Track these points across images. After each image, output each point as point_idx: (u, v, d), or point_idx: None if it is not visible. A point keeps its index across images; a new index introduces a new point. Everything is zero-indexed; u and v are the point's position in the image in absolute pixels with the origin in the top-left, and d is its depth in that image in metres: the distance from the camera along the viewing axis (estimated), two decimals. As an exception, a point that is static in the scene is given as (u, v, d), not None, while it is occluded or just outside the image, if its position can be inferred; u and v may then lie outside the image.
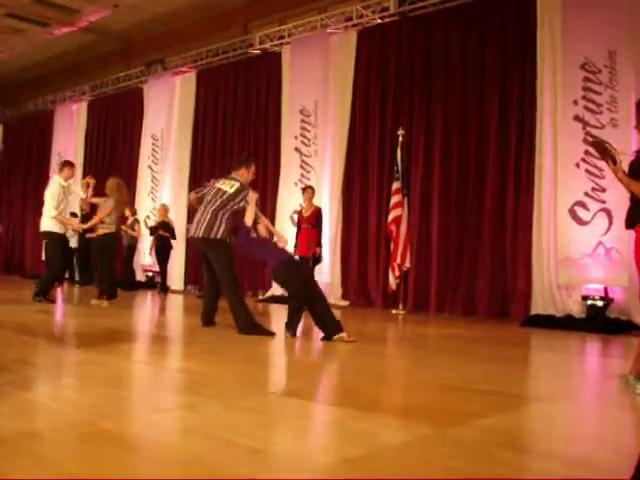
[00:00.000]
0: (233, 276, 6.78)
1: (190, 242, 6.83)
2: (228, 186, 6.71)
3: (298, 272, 6.59)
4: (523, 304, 8.81)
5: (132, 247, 13.44)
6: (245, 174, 6.86)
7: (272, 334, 6.35)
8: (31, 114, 18.61)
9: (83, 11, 14.52)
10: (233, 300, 6.61)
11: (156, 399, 3.48)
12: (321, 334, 6.17)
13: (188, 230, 7.12)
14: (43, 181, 17.56)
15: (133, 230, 13.21)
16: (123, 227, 13.24)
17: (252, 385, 3.83)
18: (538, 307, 8.53)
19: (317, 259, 10.02)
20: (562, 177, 8.43)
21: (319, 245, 10.05)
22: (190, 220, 8.54)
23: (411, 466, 2.36)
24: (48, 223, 8.98)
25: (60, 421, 2.86)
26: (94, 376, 3.93)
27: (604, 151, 4.28)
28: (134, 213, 13.51)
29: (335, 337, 6.06)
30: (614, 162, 4.22)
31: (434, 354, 5.78)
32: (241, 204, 6.61)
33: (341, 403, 3.51)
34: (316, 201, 10.48)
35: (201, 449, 2.49)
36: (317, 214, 10.07)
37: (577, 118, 8.33)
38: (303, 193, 10.33)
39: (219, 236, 6.56)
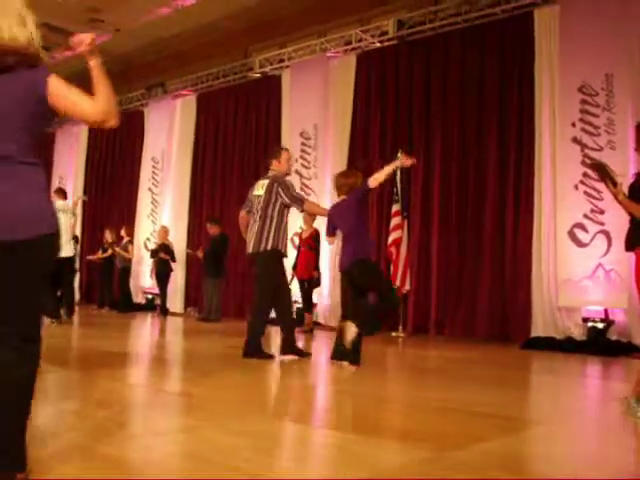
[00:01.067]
0: (270, 294, 6.26)
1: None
2: (260, 188, 6.35)
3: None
4: (523, 326, 8.79)
5: (126, 269, 13.49)
6: (277, 165, 6.49)
7: (272, 357, 6.26)
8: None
9: (85, 35, 14.64)
10: (259, 319, 6.26)
11: (155, 423, 3.46)
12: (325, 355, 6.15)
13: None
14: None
15: (127, 252, 13.25)
16: (116, 249, 13.29)
17: (251, 409, 3.82)
18: (538, 329, 8.51)
19: (315, 282, 10.00)
20: (561, 199, 8.45)
21: (316, 269, 9.97)
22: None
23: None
24: None
25: (59, 445, 2.85)
26: (93, 400, 3.92)
27: (604, 173, 4.30)
28: (129, 234, 13.56)
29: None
30: (614, 184, 4.24)
31: (434, 377, 5.76)
32: (279, 200, 6.19)
33: (341, 427, 3.50)
34: (316, 223, 10.50)
35: (201, 473, 2.48)
36: (315, 236, 10.04)
37: (575, 140, 8.38)
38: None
39: (268, 247, 6.14)
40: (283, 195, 6.18)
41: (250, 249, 6.22)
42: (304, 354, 6.38)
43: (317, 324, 10.65)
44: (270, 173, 6.47)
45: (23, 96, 2.38)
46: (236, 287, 12.50)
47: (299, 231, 10.63)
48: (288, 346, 6.25)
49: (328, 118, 11.29)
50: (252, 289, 12.26)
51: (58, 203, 9.34)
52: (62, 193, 10.19)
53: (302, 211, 6.61)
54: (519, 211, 9.17)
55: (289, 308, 6.42)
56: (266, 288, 6.22)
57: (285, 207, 6.26)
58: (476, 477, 2.52)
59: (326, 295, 10.92)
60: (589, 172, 8.09)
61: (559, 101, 8.58)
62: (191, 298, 13.36)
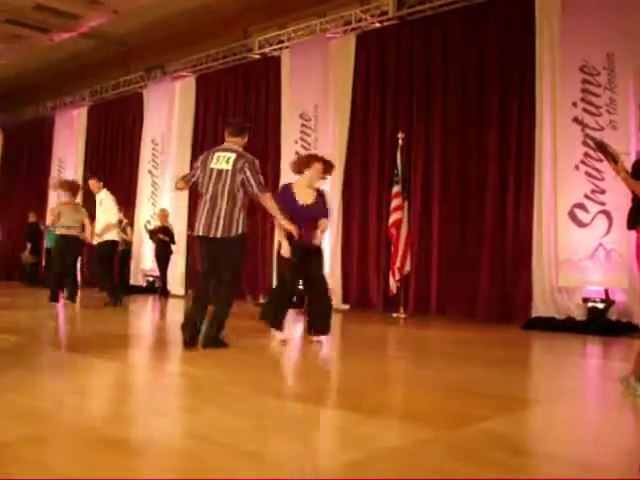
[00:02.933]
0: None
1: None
2: (224, 162, 5.69)
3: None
4: (524, 307, 8.80)
5: (126, 252, 13.53)
6: (240, 142, 5.92)
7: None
8: (31, 120, 18.63)
9: (83, 17, 14.53)
10: (228, 307, 5.74)
11: (157, 403, 3.48)
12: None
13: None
14: (44, 187, 17.60)
15: (125, 234, 13.27)
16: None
17: (252, 389, 3.83)
18: (539, 310, 8.52)
19: None
20: (561, 179, 8.43)
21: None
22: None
23: (411, 469, 2.37)
24: None
25: (63, 426, 2.87)
26: (96, 381, 3.94)
27: (606, 151, 4.29)
28: (126, 217, 13.55)
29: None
30: (615, 162, 4.23)
31: (435, 357, 5.79)
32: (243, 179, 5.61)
33: (341, 406, 3.52)
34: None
35: (202, 453, 2.49)
36: None
37: (576, 120, 8.34)
38: None
39: (240, 231, 5.62)
40: (250, 176, 5.61)
41: (218, 232, 5.56)
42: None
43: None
44: (233, 147, 5.81)
45: None
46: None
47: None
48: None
49: (328, 99, 11.24)
50: (250, 269, 12.34)
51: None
52: (70, 187, 10.14)
53: (258, 200, 5.82)
54: (520, 191, 9.15)
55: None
56: (238, 274, 5.89)
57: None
58: (475, 457, 2.53)
59: (327, 277, 10.89)
60: (590, 152, 8.07)
61: (560, 81, 8.53)
62: (192, 280, 13.36)
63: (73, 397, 3.51)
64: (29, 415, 2.98)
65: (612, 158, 4.22)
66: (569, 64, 8.43)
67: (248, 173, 5.60)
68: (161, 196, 14.23)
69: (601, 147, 4.38)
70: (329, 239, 10.84)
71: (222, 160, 5.67)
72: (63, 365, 4.69)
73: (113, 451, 2.49)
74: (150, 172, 14.60)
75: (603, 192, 8.04)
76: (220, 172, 5.63)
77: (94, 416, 3.07)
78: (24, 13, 14.16)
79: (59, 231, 9.58)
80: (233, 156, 5.67)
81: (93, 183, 9.98)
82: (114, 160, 16.17)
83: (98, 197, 9.82)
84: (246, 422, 3.00)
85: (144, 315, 10.04)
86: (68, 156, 17.16)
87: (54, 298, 9.37)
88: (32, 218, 16.34)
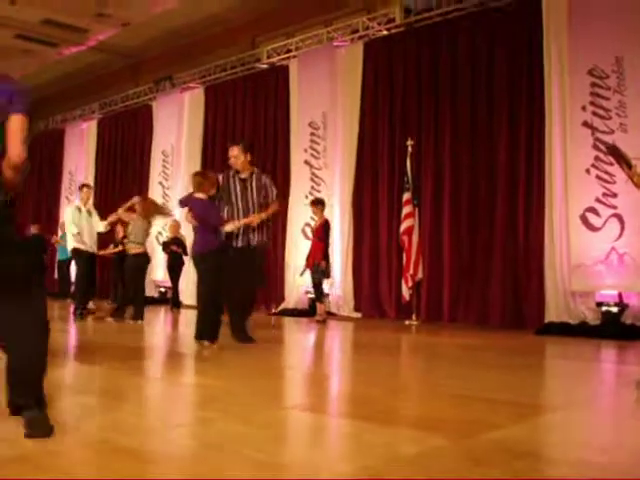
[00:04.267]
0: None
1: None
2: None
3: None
4: (537, 312, 8.76)
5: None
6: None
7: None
8: (42, 133, 18.76)
9: (91, 30, 14.66)
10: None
11: (171, 415, 3.48)
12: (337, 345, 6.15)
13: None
14: (55, 200, 17.70)
15: None
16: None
17: (266, 399, 3.83)
18: (552, 315, 8.48)
19: (324, 272, 9.81)
20: (572, 183, 8.40)
21: (324, 258, 9.75)
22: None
23: (426, 478, 2.35)
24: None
25: (79, 438, 2.87)
26: (111, 393, 3.95)
27: (619, 155, 4.28)
28: None
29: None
30: (629, 166, 4.22)
31: (448, 364, 5.76)
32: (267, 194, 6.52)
33: (354, 415, 3.50)
34: (327, 213, 10.51)
35: (217, 463, 2.49)
36: (322, 226, 9.96)
37: (586, 124, 8.31)
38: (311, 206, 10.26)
39: (266, 238, 6.54)
40: (273, 190, 6.47)
41: (254, 241, 6.32)
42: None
43: (330, 314, 10.66)
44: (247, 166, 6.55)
45: None
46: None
47: (310, 222, 10.63)
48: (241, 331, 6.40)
49: (336, 107, 11.26)
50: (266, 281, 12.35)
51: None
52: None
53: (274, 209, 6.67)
54: (531, 196, 9.12)
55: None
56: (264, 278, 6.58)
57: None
58: (491, 465, 2.51)
59: (338, 285, 10.93)
60: (601, 156, 8.05)
61: (569, 85, 8.51)
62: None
63: (88, 409, 3.51)
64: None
65: (625, 162, 4.21)
66: (578, 68, 8.41)
67: (272, 188, 6.53)
68: (173, 207, 14.24)
69: (614, 151, 4.37)
70: (340, 247, 10.85)
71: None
72: (79, 377, 4.70)
73: (128, 462, 2.49)
74: (161, 184, 14.65)
75: (615, 196, 8.01)
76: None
77: (110, 428, 3.07)
78: (33, 28, 14.30)
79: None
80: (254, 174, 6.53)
81: None
82: (124, 172, 16.24)
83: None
84: (260, 432, 2.99)
85: (157, 326, 10.05)
86: (79, 169, 17.25)
87: (82, 315, 9.39)
88: (34, 230, 16.37)
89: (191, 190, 6.42)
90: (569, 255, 8.39)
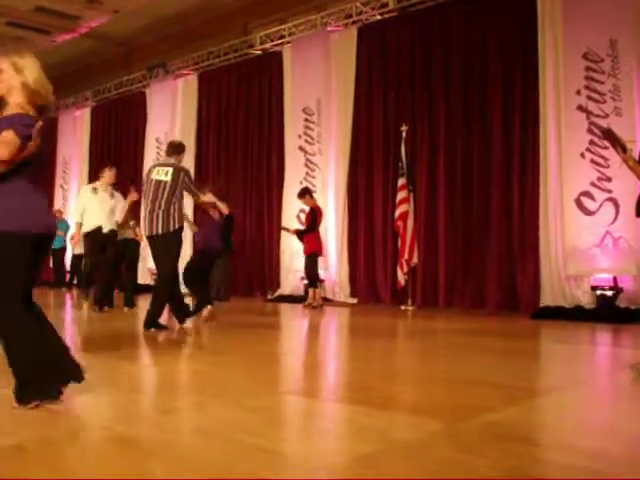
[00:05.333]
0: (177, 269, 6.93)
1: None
2: (163, 174, 6.71)
3: None
4: (532, 296, 8.79)
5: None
6: (177, 158, 6.94)
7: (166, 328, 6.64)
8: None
9: (84, 17, 14.56)
10: (166, 293, 6.67)
11: (166, 401, 3.48)
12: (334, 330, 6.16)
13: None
14: (49, 189, 17.62)
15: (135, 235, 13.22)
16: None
17: (260, 384, 3.84)
18: (547, 299, 8.50)
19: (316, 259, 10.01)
20: (567, 168, 8.40)
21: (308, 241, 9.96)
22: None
23: (422, 462, 2.36)
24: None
25: (75, 427, 2.88)
26: (105, 380, 3.95)
27: (614, 140, 4.28)
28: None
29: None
30: (624, 150, 4.21)
31: (443, 349, 5.78)
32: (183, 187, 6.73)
33: (351, 400, 3.51)
34: (321, 199, 10.52)
35: (213, 449, 2.49)
36: (309, 214, 10.03)
37: (580, 108, 8.30)
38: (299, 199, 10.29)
39: (176, 227, 6.64)
40: (189, 183, 6.73)
41: (158, 230, 6.56)
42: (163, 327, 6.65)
43: (326, 300, 10.68)
44: (170, 160, 6.86)
45: None
46: (243, 266, 12.53)
47: (304, 208, 10.61)
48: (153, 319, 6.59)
49: (331, 93, 11.23)
50: (258, 268, 12.37)
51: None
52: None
53: (196, 202, 7.26)
54: (525, 181, 9.13)
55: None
56: (175, 264, 6.74)
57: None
58: (486, 448, 2.53)
59: (333, 271, 10.94)
60: (595, 140, 8.05)
61: (563, 69, 8.49)
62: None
63: (85, 397, 3.51)
64: (42, 417, 2.98)
65: (620, 146, 4.21)
66: (572, 52, 8.39)
67: (187, 182, 6.75)
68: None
69: (609, 135, 4.36)
70: (335, 232, 10.86)
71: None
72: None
73: (126, 450, 2.50)
74: (155, 171, 14.58)
75: (609, 180, 8.01)
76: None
77: (106, 415, 3.08)
78: (25, 15, 14.19)
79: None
80: (171, 169, 6.74)
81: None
82: (119, 160, 16.14)
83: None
84: (256, 418, 3.00)
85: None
86: (72, 157, 17.19)
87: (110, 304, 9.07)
88: None
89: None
90: (564, 239, 8.41)
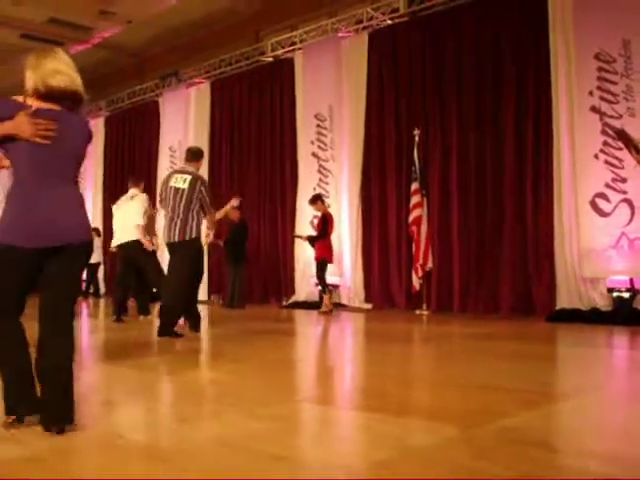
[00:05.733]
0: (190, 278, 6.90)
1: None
2: (181, 182, 6.76)
3: None
4: (548, 299, 8.74)
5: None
6: (196, 165, 7.01)
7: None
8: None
9: (96, 28, 14.67)
10: (181, 301, 6.69)
11: (182, 410, 3.50)
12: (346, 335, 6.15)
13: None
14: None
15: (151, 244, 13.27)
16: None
17: (275, 392, 3.84)
18: (563, 301, 8.45)
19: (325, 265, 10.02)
20: (581, 169, 8.36)
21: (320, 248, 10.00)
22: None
23: (438, 467, 2.35)
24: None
25: (91, 436, 2.89)
26: (121, 390, 3.97)
27: (627, 140, 4.26)
28: None
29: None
30: (637, 151, 4.19)
31: (459, 354, 5.76)
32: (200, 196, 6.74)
33: (366, 407, 3.51)
34: (335, 204, 10.53)
35: (229, 458, 2.50)
36: (321, 220, 10.09)
37: (593, 109, 8.26)
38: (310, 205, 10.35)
39: (194, 236, 6.69)
40: (205, 195, 6.76)
41: (175, 237, 6.63)
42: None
43: (341, 305, 10.68)
44: (188, 168, 6.91)
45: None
46: (259, 273, 12.55)
47: (317, 214, 10.62)
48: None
49: (342, 99, 11.24)
50: (273, 274, 12.39)
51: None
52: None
53: (204, 216, 6.96)
54: (539, 183, 9.08)
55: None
56: (189, 273, 6.72)
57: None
58: (503, 454, 2.52)
59: (348, 276, 10.94)
60: (609, 141, 8.00)
61: (576, 70, 8.45)
62: (214, 285, 13.41)
63: (100, 407, 3.53)
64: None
65: (633, 146, 4.19)
66: (584, 52, 8.36)
67: (204, 193, 6.79)
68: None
69: (622, 136, 4.35)
70: (349, 238, 10.87)
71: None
72: (84, 375, 4.73)
73: (144, 459, 2.51)
74: (169, 179, 14.66)
75: (624, 181, 7.96)
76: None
77: (122, 425, 3.09)
78: (38, 27, 14.31)
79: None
80: (189, 177, 6.80)
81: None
82: (132, 169, 16.24)
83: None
84: (271, 426, 3.00)
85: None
86: (88, 166, 17.30)
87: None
88: None
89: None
90: (579, 241, 8.36)
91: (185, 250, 6.64)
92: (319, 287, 10.48)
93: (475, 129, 9.73)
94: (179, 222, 6.61)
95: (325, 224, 9.97)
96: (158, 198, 7.24)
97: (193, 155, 7.04)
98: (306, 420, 3.37)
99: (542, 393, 3.79)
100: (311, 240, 10.16)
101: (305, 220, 11.50)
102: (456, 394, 3.75)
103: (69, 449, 2.67)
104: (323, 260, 9.94)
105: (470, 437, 2.75)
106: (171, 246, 6.71)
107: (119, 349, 6.16)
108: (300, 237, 10.69)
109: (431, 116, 10.25)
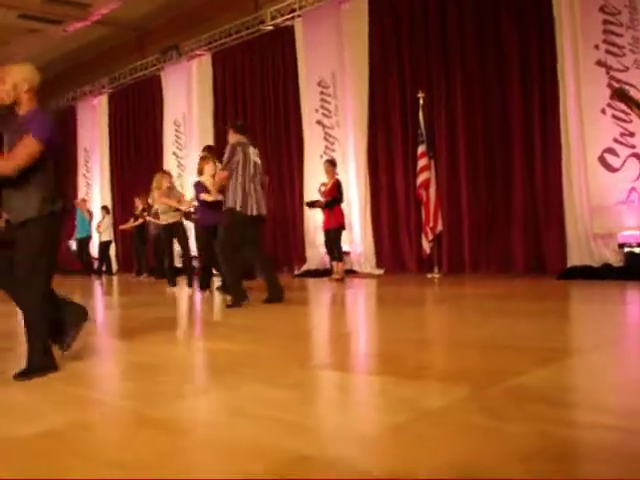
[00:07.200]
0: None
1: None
2: (256, 156, 7.00)
3: None
4: (559, 257, 8.73)
5: (160, 235, 13.54)
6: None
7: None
8: (53, 112, 18.77)
9: (94, 5, 14.55)
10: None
11: (198, 382, 3.53)
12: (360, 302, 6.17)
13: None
14: (72, 178, 17.78)
15: (158, 219, 13.30)
16: (147, 217, 13.33)
17: (291, 361, 3.86)
18: (574, 259, 8.44)
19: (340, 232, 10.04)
20: (588, 125, 8.28)
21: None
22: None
23: (452, 429, 2.37)
24: None
25: (107, 411, 2.93)
26: (135, 363, 4.00)
27: (627, 98, 4.21)
28: (143, 203, 13.52)
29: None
30: (639, 107, 4.14)
31: (472, 314, 5.77)
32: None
33: (380, 372, 3.53)
34: (343, 171, 10.48)
35: (246, 428, 2.52)
36: (335, 186, 9.98)
37: (599, 63, 8.16)
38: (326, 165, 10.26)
39: None
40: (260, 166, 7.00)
41: (264, 210, 6.87)
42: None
43: (352, 272, 10.70)
44: (247, 141, 7.06)
45: None
46: (269, 243, 12.56)
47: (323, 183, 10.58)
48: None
49: (345, 65, 11.15)
50: (284, 244, 12.39)
51: None
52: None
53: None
54: (547, 141, 9.02)
55: None
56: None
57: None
58: (518, 411, 2.53)
59: (359, 242, 10.94)
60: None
61: (580, 24, 8.34)
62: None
63: (117, 381, 3.57)
64: (75, 402, 3.04)
65: (634, 104, 4.14)
66: (589, 5, 8.24)
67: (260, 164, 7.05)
68: (188, 177, 14.26)
69: (621, 95, 4.29)
70: (358, 204, 10.84)
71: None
72: (102, 350, 4.77)
73: (159, 433, 2.53)
74: (175, 154, 14.67)
75: (632, 135, 7.89)
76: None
77: (137, 398, 3.13)
78: (36, 7, 14.22)
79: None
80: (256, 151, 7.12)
81: None
82: (138, 145, 16.26)
83: None
84: (287, 394, 3.03)
85: (182, 296, 10.12)
86: (93, 144, 17.30)
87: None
88: None
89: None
90: (589, 198, 8.32)
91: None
92: (330, 255, 10.49)
93: (480, 88, 9.65)
94: (263, 195, 6.85)
95: (340, 189, 9.93)
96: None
97: (243, 129, 7.18)
98: (322, 387, 3.39)
99: (556, 350, 3.79)
100: (329, 204, 9.97)
101: (313, 188, 11.47)
102: (471, 354, 3.76)
103: (86, 424, 2.70)
104: (340, 227, 9.92)
105: (484, 396, 2.77)
106: (261, 218, 6.89)
107: (137, 324, 6.21)
108: (314, 205, 10.45)
109: (435, 77, 10.16)
